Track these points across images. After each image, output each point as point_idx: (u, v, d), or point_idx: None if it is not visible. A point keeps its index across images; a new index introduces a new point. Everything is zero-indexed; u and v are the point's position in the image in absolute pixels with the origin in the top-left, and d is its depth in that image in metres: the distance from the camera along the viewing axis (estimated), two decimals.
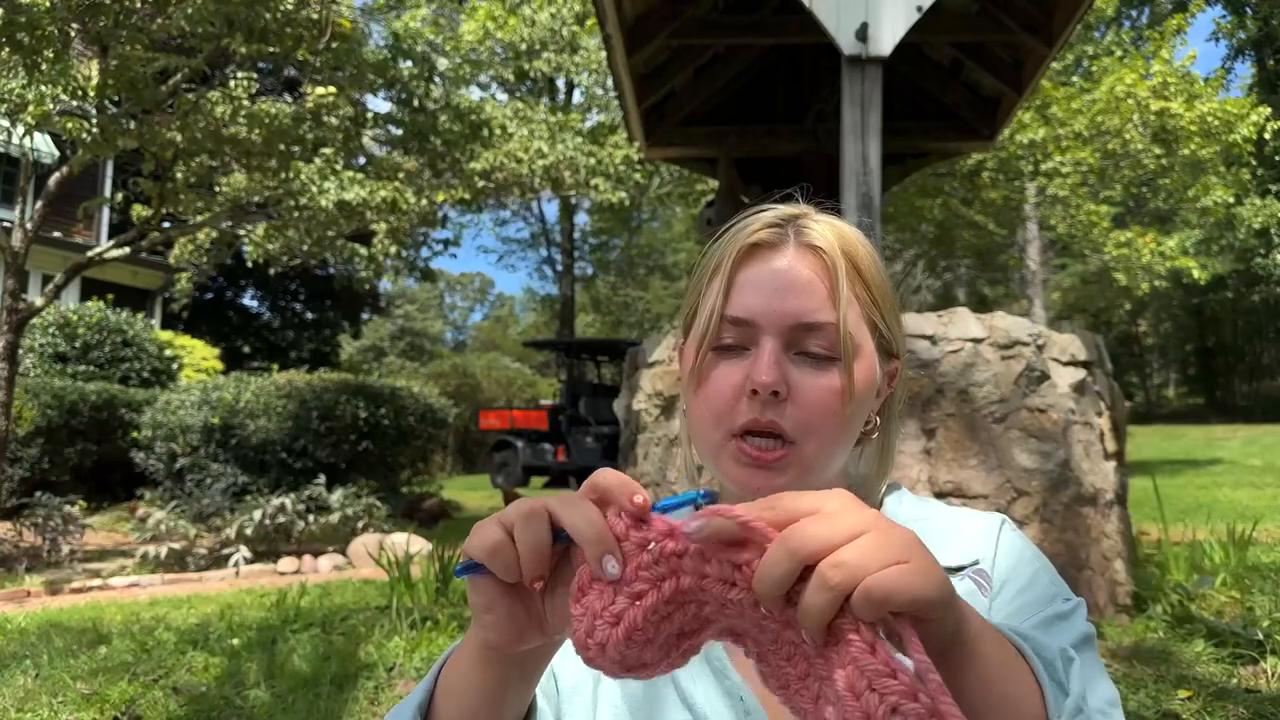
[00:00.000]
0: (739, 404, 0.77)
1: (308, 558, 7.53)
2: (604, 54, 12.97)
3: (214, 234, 10.98)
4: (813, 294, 0.77)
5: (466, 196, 12.90)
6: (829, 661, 0.46)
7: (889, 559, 0.45)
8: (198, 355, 14.87)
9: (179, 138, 7.48)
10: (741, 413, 0.76)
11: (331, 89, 8.46)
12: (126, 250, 8.47)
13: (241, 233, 10.36)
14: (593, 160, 13.95)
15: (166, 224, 9.66)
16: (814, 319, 0.76)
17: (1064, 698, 0.57)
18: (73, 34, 6.47)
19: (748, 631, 0.53)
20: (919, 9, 4.50)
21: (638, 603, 0.52)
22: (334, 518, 8.29)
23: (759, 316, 0.77)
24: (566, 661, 0.84)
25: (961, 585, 0.79)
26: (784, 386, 0.75)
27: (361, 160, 10.61)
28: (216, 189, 9.41)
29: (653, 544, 0.52)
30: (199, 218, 9.32)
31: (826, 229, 0.80)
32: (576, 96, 22.61)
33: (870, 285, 0.80)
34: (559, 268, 28.59)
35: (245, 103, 7.65)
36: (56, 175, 7.49)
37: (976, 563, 0.81)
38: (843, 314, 0.76)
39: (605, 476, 0.56)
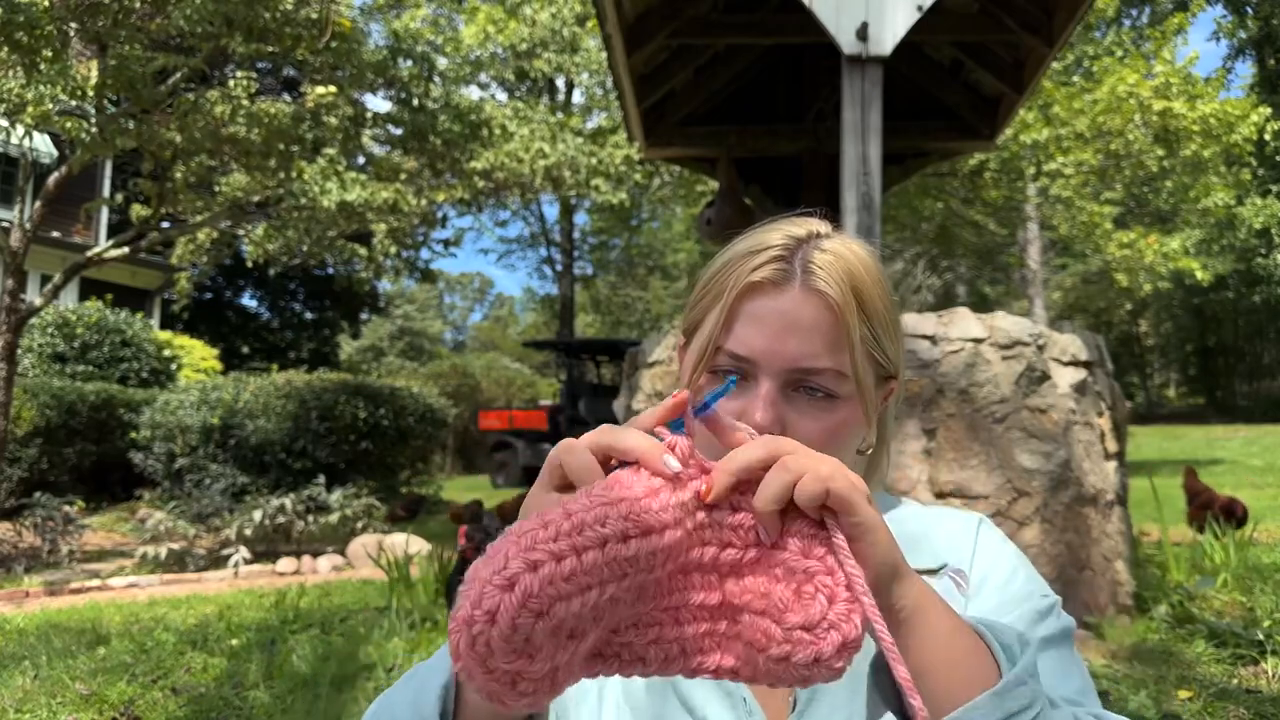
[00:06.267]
0: None
1: (307, 558, 7.52)
2: (604, 54, 12.97)
3: (214, 234, 10.97)
4: (813, 339, 0.77)
5: (466, 197, 12.89)
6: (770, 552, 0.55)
7: (838, 471, 0.56)
8: (196, 355, 14.85)
9: (178, 137, 7.47)
10: None
11: (331, 88, 8.44)
12: (125, 250, 8.46)
13: (241, 233, 10.35)
14: (593, 160, 13.95)
15: (166, 224, 9.65)
16: (813, 365, 0.77)
17: (1011, 668, 0.61)
18: (71, 33, 6.47)
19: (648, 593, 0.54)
20: (919, 8, 4.49)
21: (537, 570, 0.48)
22: (333, 518, 8.28)
23: (759, 356, 0.77)
24: None
25: (939, 585, 0.81)
26: (779, 428, 0.76)
27: (361, 160, 10.60)
28: (216, 189, 9.40)
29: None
30: (198, 218, 9.31)
31: (834, 264, 0.78)
32: (576, 96, 22.61)
33: (873, 318, 0.79)
34: (559, 267, 28.57)
35: (244, 102, 7.63)
36: (55, 175, 7.48)
37: (955, 564, 0.83)
38: (858, 367, 0.78)
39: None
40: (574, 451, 0.57)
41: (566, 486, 0.57)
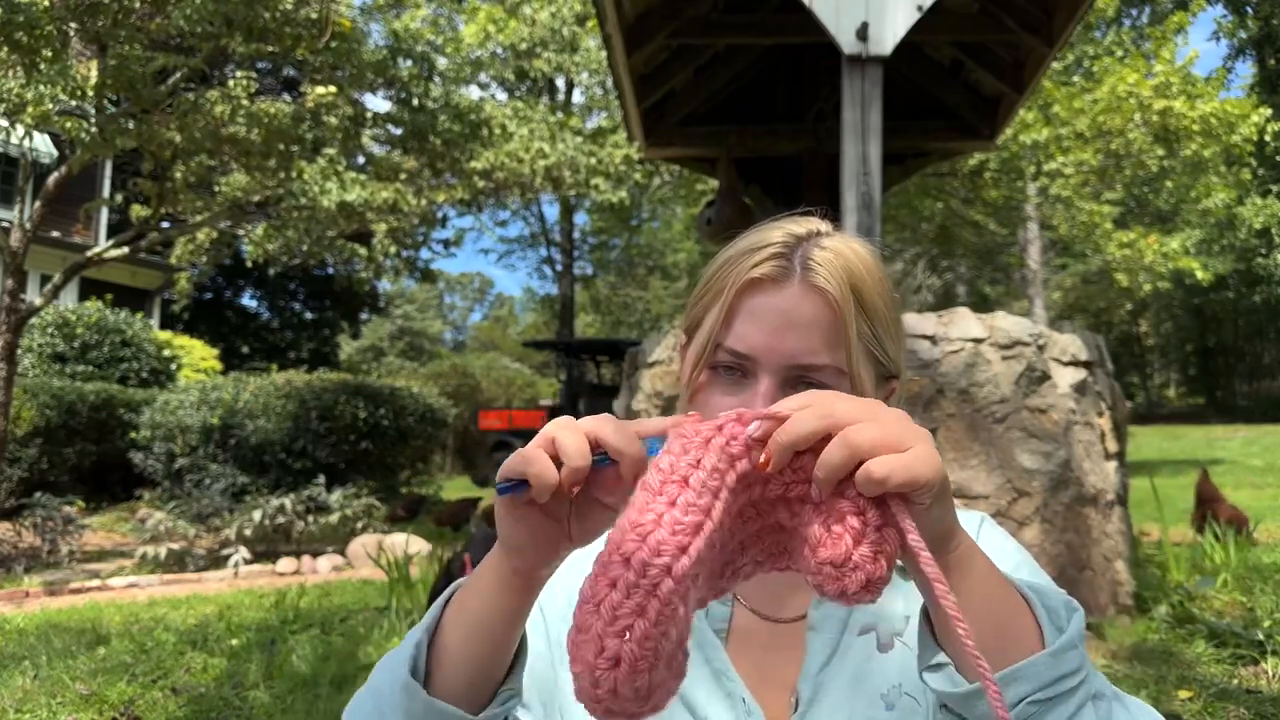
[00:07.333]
0: None
1: (307, 558, 7.52)
2: (604, 54, 12.97)
3: (213, 234, 10.97)
4: (812, 336, 0.77)
5: (466, 197, 12.89)
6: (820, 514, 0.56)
7: (895, 444, 0.54)
8: (196, 355, 14.85)
9: (178, 137, 7.47)
10: None
11: (331, 88, 8.44)
12: (125, 250, 8.46)
13: (241, 233, 10.35)
14: (593, 160, 13.95)
15: (166, 224, 9.65)
16: (811, 361, 0.77)
17: (1059, 635, 0.62)
18: (71, 33, 6.46)
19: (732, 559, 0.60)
20: (919, 8, 4.49)
21: (639, 619, 0.51)
22: (333, 518, 8.28)
23: (758, 353, 0.78)
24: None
25: None
26: None
27: (361, 160, 10.60)
28: (216, 189, 9.40)
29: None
30: (198, 218, 9.31)
31: (834, 261, 0.79)
32: (576, 96, 22.61)
33: (873, 316, 0.80)
34: (558, 267, 28.56)
35: (244, 102, 7.63)
36: (55, 175, 7.48)
37: None
38: (855, 365, 0.78)
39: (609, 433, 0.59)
40: (570, 430, 0.59)
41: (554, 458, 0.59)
